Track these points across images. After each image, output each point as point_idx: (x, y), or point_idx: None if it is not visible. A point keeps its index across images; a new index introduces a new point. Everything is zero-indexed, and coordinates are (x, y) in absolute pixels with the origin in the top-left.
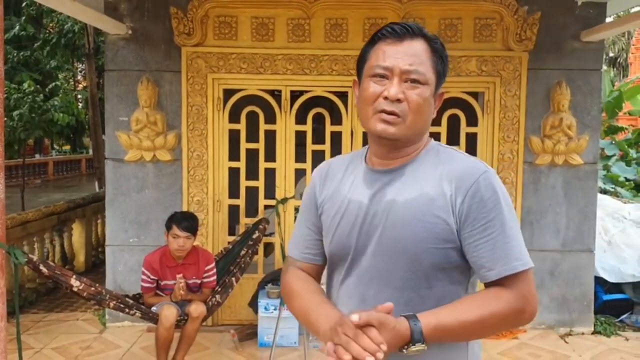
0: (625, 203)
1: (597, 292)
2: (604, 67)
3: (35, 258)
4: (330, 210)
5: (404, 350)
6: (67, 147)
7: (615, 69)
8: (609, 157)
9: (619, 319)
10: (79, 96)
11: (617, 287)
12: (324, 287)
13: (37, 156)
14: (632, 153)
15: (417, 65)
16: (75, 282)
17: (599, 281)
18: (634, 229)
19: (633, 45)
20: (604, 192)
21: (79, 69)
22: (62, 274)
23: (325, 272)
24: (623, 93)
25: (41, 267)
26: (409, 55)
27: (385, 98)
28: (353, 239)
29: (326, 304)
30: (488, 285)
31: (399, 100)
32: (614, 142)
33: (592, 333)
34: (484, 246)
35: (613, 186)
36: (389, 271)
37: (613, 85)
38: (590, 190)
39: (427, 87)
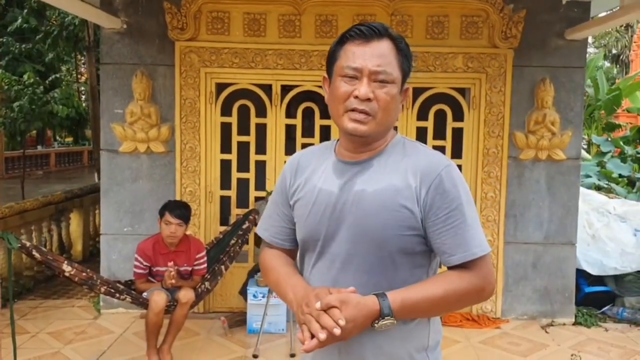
0: (611, 198)
1: (580, 285)
2: (606, 64)
3: (28, 243)
4: (301, 200)
5: (375, 325)
6: (69, 139)
7: (618, 66)
8: (604, 154)
9: (601, 311)
10: (82, 88)
11: (599, 280)
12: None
13: (39, 148)
14: (628, 150)
15: (384, 65)
16: (67, 267)
17: (582, 274)
18: (618, 223)
19: (635, 42)
20: (598, 188)
21: (82, 62)
22: (54, 259)
23: (297, 255)
24: (622, 90)
25: (34, 252)
26: (377, 56)
27: (356, 97)
28: (324, 226)
29: (294, 275)
30: (450, 268)
31: (368, 100)
32: (610, 139)
33: (573, 324)
34: (447, 234)
35: (607, 182)
36: (358, 256)
37: (613, 82)
38: (573, 185)
39: (394, 86)
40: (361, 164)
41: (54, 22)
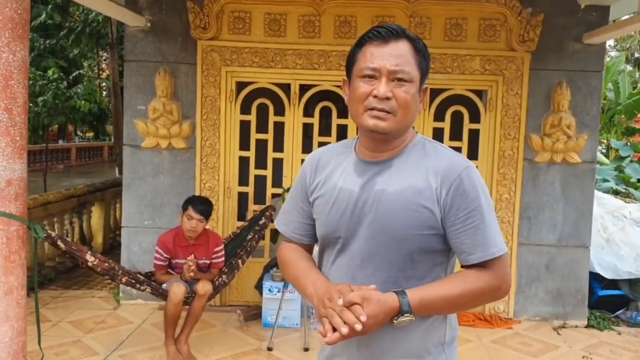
0: (627, 203)
1: (593, 288)
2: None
3: (53, 234)
4: (321, 197)
5: (394, 321)
6: (90, 134)
7: None
8: (622, 158)
9: (614, 315)
10: (103, 84)
11: (613, 284)
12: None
13: (61, 142)
14: None
15: (402, 65)
16: (90, 258)
17: (596, 277)
18: (634, 228)
19: None
20: (616, 192)
21: (103, 58)
22: (78, 249)
23: (316, 250)
24: None
25: (59, 242)
26: (395, 56)
27: (375, 96)
28: (344, 224)
29: (313, 269)
30: (468, 267)
31: (387, 98)
32: (629, 143)
33: (586, 327)
34: (466, 234)
35: (625, 187)
36: (378, 254)
37: (635, 86)
38: (588, 188)
39: (412, 85)
40: (381, 163)
41: (77, 18)
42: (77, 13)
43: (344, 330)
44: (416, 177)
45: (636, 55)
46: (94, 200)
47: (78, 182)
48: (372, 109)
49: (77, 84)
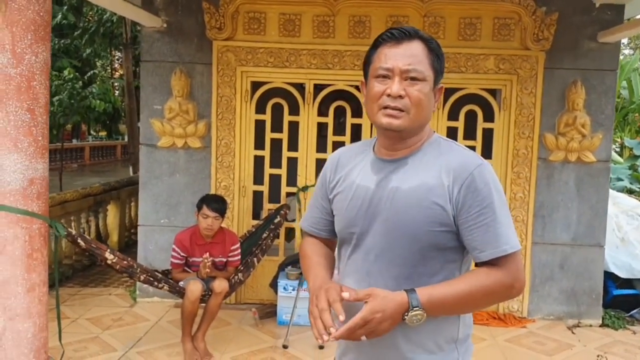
0: None
1: (608, 287)
2: None
3: (73, 232)
4: (340, 194)
5: (405, 317)
6: (103, 134)
7: None
8: (636, 157)
9: (629, 314)
10: (116, 84)
11: (628, 283)
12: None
13: (75, 141)
14: None
15: (415, 64)
16: (109, 256)
17: (611, 276)
18: None
19: None
20: (630, 191)
21: (116, 57)
22: (98, 247)
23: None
24: None
25: (79, 240)
26: (407, 56)
27: (389, 95)
28: (360, 220)
29: (319, 265)
30: (480, 264)
31: (400, 97)
32: None
33: (600, 326)
34: (477, 231)
35: (639, 186)
36: (391, 250)
37: None
38: (602, 187)
39: (425, 84)
40: (397, 161)
41: (90, 18)
42: (91, 13)
43: (325, 337)
44: (429, 175)
45: None
46: (109, 199)
47: (92, 181)
48: (385, 107)
49: (91, 84)
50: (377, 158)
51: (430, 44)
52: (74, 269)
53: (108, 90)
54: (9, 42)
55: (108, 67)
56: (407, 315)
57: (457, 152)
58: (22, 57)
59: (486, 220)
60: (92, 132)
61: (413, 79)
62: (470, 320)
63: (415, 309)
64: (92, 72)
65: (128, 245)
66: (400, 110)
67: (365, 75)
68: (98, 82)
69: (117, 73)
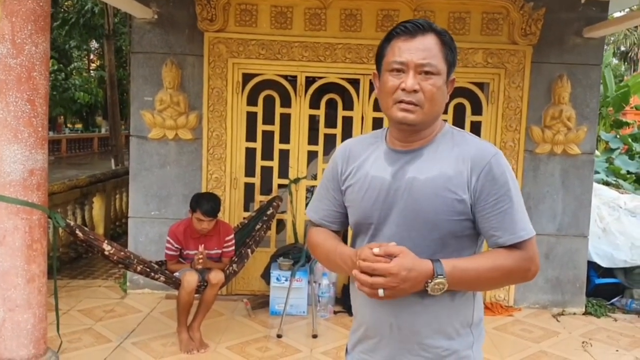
0: (622, 193)
1: (590, 276)
2: (614, 61)
3: (72, 223)
4: (353, 186)
5: (428, 284)
6: (79, 126)
7: (626, 63)
8: (612, 150)
9: (610, 302)
10: (92, 74)
11: (609, 272)
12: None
13: (51, 133)
14: (636, 147)
15: (429, 58)
16: (107, 247)
17: (593, 266)
18: (629, 218)
19: None
20: (606, 184)
21: (93, 49)
22: (95, 239)
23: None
24: (630, 87)
25: (77, 231)
26: (421, 50)
27: (403, 89)
28: (377, 210)
29: (340, 244)
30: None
31: (415, 91)
32: (618, 135)
33: (584, 314)
34: (495, 218)
35: (615, 179)
36: (410, 239)
37: (622, 80)
38: (587, 179)
39: (439, 77)
40: (412, 152)
41: (67, 8)
42: (69, 3)
43: (380, 292)
44: (446, 165)
45: (622, 48)
46: (95, 191)
47: (70, 174)
48: (400, 101)
49: (72, 76)
50: (390, 149)
51: (444, 37)
52: (61, 261)
53: (90, 82)
54: (9, 32)
55: (85, 59)
56: (430, 282)
57: (471, 141)
58: (22, 47)
59: (504, 207)
60: (68, 124)
61: (427, 72)
62: (482, 304)
63: (439, 276)
64: (74, 64)
65: (114, 237)
66: (415, 104)
67: (378, 68)
68: (76, 74)
69: (93, 65)
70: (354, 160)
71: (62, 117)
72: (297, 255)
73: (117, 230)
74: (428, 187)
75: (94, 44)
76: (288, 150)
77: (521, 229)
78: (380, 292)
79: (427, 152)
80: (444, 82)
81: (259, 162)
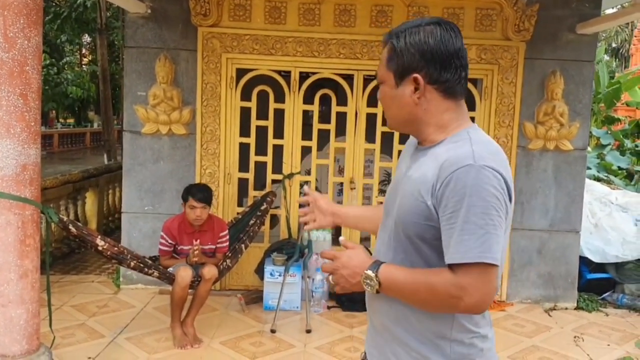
0: (613, 189)
1: (582, 271)
2: (606, 58)
3: (65, 218)
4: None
5: (361, 278)
6: (70, 121)
7: (617, 59)
8: (604, 146)
9: (602, 297)
10: (84, 68)
11: (601, 267)
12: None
13: (43, 128)
14: (627, 143)
15: (378, 69)
16: (100, 242)
17: (585, 261)
18: (620, 213)
19: (635, 36)
20: (597, 179)
21: (85, 43)
22: (89, 234)
23: None
24: (622, 84)
25: (70, 226)
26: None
27: None
28: (387, 202)
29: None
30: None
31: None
32: (609, 132)
33: (575, 308)
34: (445, 233)
35: (606, 174)
36: (394, 234)
37: (613, 76)
38: (579, 175)
39: (385, 85)
40: (421, 151)
41: (59, 2)
42: None
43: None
44: (430, 168)
45: (613, 45)
46: (88, 187)
47: (62, 169)
48: None
49: (65, 71)
50: (417, 147)
51: (397, 41)
52: (53, 257)
53: (83, 77)
54: (1, 26)
55: (77, 53)
56: (362, 277)
57: (460, 148)
58: (14, 41)
59: (454, 224)
60: (60, 119)
61: (380, 83)
62: (473, 326)
63: (369, 271)
64: (66, 58)
65: (107, 233)
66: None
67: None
68: (69, 69)
69: (85, 59)
70: (402, 155)
71: (54, 111)
72: (290, 251)
73: (110, 225)
74: (410, 186)
75: (86, 39)
76: (282, 146)
77: (456, 251)
78: (330, 278)
79: (430, 153)
80: (394, 87)
81: (253, 158)
